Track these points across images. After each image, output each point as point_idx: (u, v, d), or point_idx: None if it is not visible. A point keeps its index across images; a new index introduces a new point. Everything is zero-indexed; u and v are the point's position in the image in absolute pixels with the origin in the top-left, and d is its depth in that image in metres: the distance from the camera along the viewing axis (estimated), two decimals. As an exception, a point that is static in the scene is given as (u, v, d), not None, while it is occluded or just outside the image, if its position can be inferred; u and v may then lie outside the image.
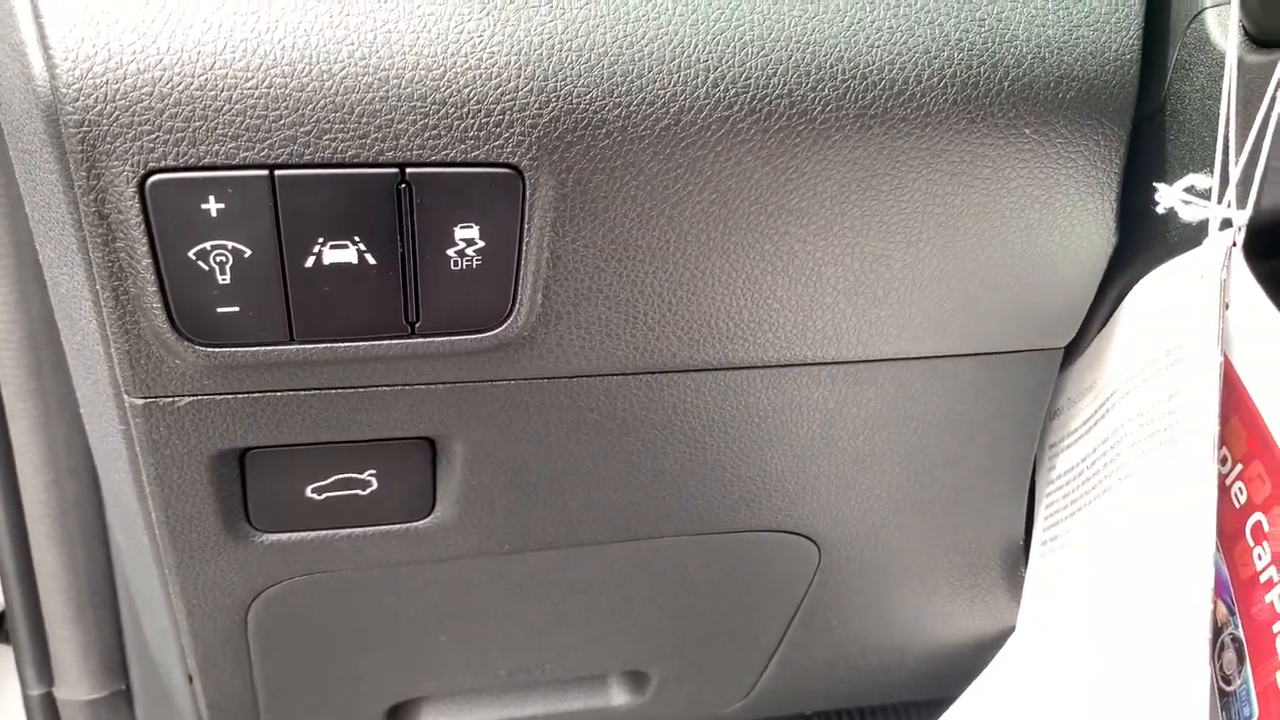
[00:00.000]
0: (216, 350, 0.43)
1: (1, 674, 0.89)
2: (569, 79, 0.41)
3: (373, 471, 0.52)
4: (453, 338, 0.45)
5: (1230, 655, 0.45)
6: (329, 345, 0.44)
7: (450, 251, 0.42)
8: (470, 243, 0.42)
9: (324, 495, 0.52)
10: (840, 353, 0.52)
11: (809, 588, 0.66)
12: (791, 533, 0.62)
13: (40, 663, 0.85)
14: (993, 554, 0.66)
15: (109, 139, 0.38)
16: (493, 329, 0.45)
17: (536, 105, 0.41)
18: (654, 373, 0.51)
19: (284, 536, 0.53)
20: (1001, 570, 0.67)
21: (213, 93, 0.38)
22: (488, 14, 0.40)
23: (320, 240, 0.41)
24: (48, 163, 0.40)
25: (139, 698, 0.85)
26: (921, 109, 0.44)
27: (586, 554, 0.60)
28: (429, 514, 0.54)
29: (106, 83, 0.37)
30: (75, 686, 0.85)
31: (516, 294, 0.44)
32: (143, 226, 0.39)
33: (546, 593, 0.62)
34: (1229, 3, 0.46)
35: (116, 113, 0.38)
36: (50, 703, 0.86)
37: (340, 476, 0.52)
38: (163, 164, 0.39)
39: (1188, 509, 0.45)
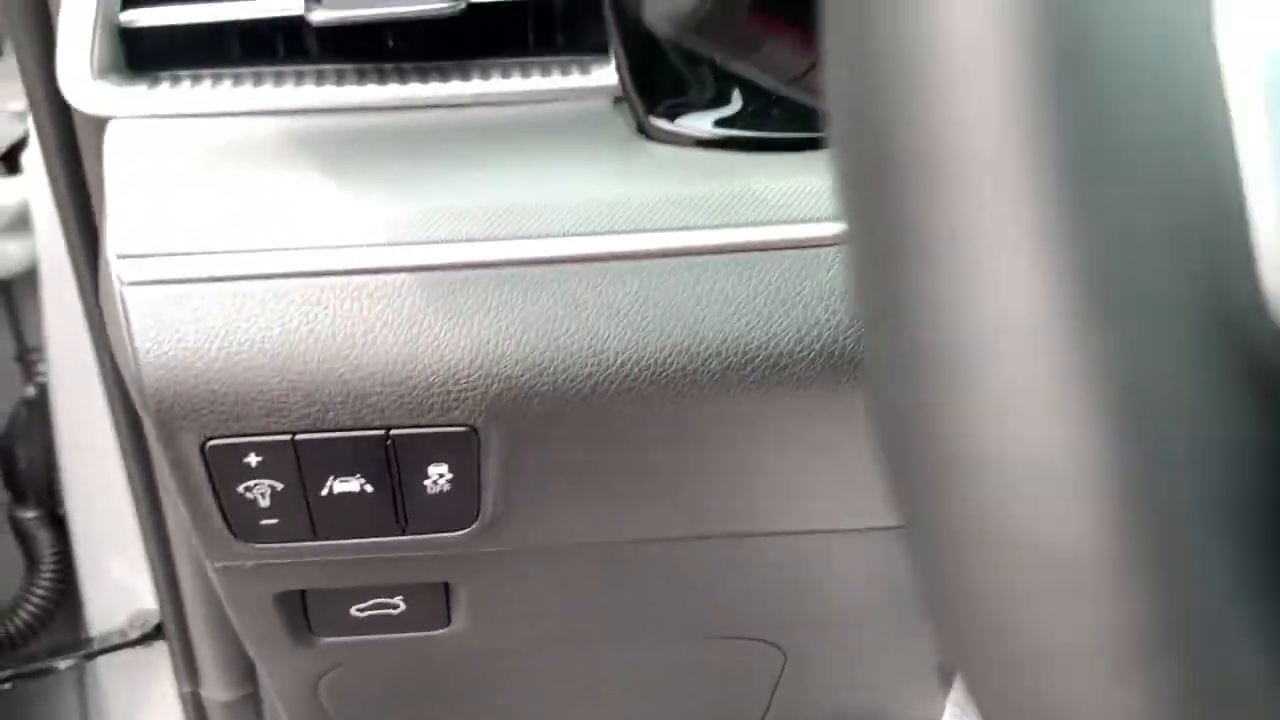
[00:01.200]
0: (264, 547, 0.59)
1: (164, 673, 1.10)
2: (509, 365, 0.54)
3: (400, 598, 0.67)
4: (433, 535, 0.59)
5: None
6: (343, 542, 0.59)
7: (426, 481, 0.57)
8: (442, 475, 0.57)
9: (365, 613, 0.68)
10: (812, 525, 0.65)
11: (775, 690, 0.79)
12: (757, 640, 0.75)
13: (188, 666, 1.05)
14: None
15: (178, 419, 0.53)
16: (464, 529, 0.59)
17: (484, 385, 0.54)
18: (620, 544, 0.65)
19: (338, 639, 0.70)
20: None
21: (248, 388, 0.53)
22: (450, 319, 0.54)
23: (331, 477, 0.56)
24: (146, 417, 0.56)
25: (266, 701, 1.05)
26: (793, 376, 0.55)
27: (583, 654, 0.74)
28: (447, 625, 0.70)
29: (175, 381, 0.53)
30: (215, 688, 1.05)
31: (480, 507, 0.58)
32: (205, 473, 0.55)
33: (553, 687, 0.77)
34: None
35: (182, 401, 0.53)
36: (198, 700, 1.07)
37: (375, 601, 0.67)
38: (216, 434, 0.54)
39: None
